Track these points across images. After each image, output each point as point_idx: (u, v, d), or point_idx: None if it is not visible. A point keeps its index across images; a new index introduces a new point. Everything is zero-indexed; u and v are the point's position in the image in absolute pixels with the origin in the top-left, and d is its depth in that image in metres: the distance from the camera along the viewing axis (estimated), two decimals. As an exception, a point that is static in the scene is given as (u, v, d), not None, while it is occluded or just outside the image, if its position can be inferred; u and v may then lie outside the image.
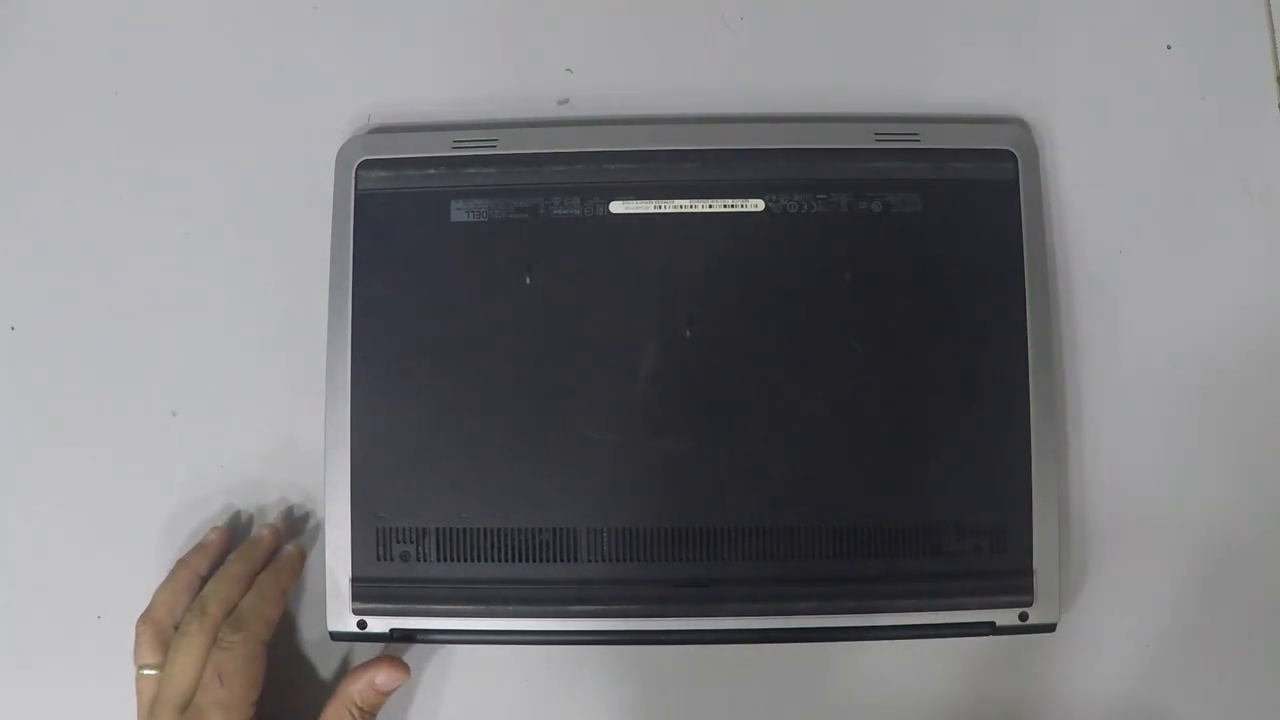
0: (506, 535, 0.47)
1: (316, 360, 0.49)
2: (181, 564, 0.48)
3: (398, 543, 0.47)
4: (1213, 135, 0.52)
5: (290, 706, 0.48)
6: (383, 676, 0.46)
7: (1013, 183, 0.49)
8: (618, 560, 0.47)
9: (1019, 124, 0.52)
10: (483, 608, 0.47)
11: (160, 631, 0.46)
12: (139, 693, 0.46)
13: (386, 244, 0.49)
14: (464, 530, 0.47)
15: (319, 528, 0.50)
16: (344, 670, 0.50)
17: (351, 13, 0.54)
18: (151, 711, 0.45)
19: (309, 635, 0.50)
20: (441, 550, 0.47)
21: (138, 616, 0.47)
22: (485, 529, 0.47)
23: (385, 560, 0.47)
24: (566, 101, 0.53)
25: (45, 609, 0.50)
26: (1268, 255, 0.51)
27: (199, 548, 0.49)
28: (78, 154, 0.53)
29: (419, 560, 0.47)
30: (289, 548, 0.49)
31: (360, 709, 0.46)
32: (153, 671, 0.45)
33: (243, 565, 0.47)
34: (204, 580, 0.47)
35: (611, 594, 0.47)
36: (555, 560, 0.47)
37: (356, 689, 0.46)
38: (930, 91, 0.53)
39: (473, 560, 0.47)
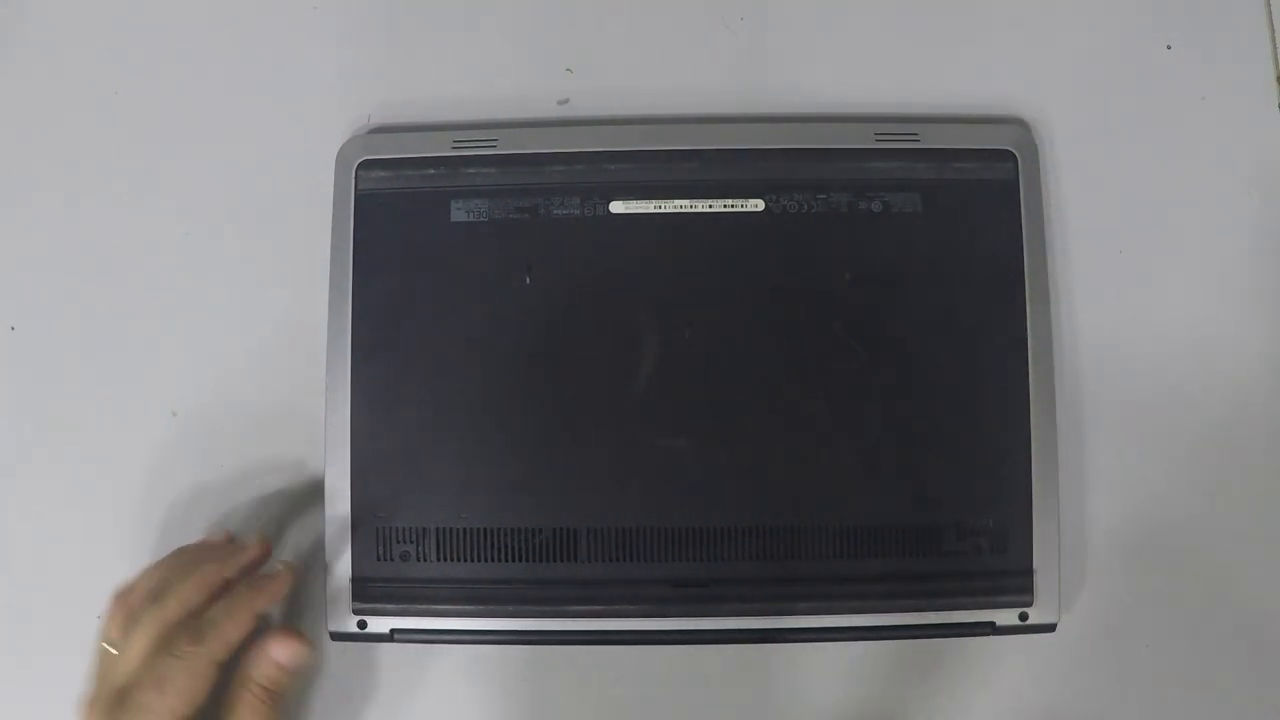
0: (506, 535, 0.47)
1: (316, 360, 0.49)
2: (180, 551, 0.48)
3: (398, 543, 0.47)
4: (1213, 135, 0.52)
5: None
6: (281, 651, 0.44)
7: (1013, 183, 0.49)
8: (618, 560, 0.47)
9: (1019, 124, 0.52)
10: (483, 608, 0.47)
11: (131, 613, 0.45)
12: (95, 664, 0.45)
13: (386, 244, 0.49)
14: (464, 530, 0.47)
15: (319, 528, 0.50)
16: (344, 671, 0.49)
17: (351, 13, 0.54)
18: (98, 687, 0.44)
19: (308, 636, 0.50)
20: (441, 550, 0.47)
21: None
22: (485, 529, 0.47)
23: (385, 560, 0.47)
24: (566, 101, 0.53)
25: (45, 609, 0.50)
26: (1268, 255, 0.51)
27: (202, 543, 0.48)
28: (78, 154, 0.53)
29: (419, 560, 0.47)
30: (279, 566, 0.47)
31: (266, 690, 0.44)
32: (111, 650, 0.44)
33: (215, 571, 0.45)
34: None
35: (611, 594, 0.47)
36: (555, 560, 0.47)
37: (258, 671, 0.44)
38: (930, 91, 0.53)
39: (473, 560, 0.47)
